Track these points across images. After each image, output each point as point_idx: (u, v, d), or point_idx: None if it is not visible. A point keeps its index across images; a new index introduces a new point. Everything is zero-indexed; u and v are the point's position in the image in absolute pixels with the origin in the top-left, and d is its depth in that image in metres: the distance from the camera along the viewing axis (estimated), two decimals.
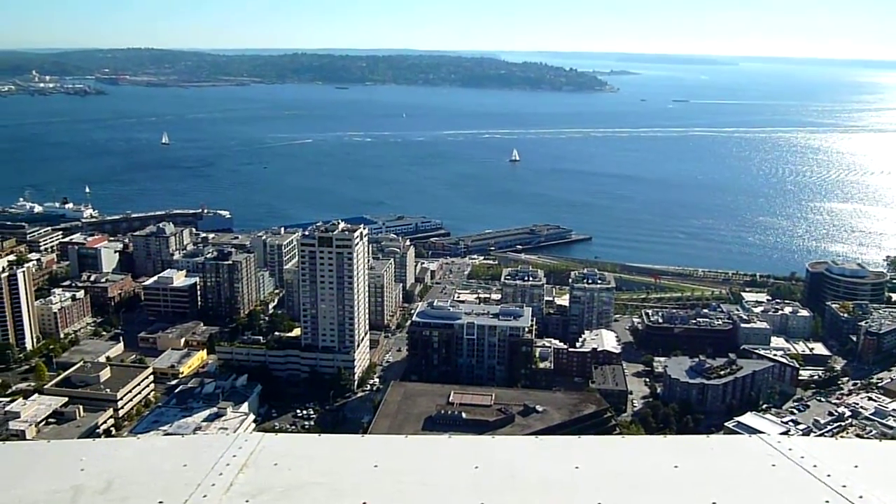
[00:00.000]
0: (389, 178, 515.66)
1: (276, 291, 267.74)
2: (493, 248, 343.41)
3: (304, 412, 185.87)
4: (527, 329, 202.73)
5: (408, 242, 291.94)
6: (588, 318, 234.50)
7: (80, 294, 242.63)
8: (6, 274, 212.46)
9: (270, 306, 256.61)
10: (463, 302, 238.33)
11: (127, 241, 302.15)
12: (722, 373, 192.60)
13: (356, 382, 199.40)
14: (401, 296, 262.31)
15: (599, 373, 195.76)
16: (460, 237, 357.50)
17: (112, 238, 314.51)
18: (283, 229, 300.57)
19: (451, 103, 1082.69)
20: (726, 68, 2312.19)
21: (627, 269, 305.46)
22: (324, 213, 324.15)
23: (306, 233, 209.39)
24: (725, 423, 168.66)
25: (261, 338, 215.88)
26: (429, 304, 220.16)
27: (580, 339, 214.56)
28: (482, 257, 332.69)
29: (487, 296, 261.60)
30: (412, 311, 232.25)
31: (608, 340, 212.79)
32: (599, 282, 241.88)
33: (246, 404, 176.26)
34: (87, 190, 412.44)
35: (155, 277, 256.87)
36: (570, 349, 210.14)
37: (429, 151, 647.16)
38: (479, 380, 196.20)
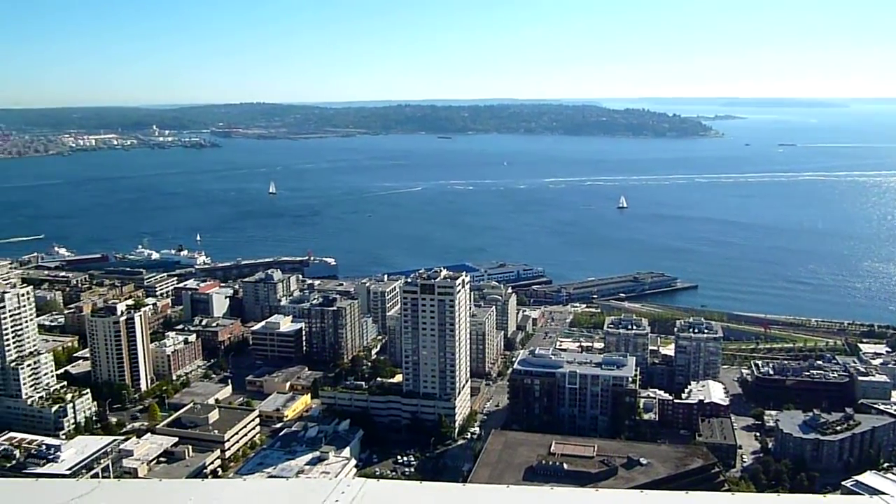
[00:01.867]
0: (491, 226, 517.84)
1: (379, 337, 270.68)
2: (595, 296, 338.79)
3: (405, 458, 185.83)
4: (630, 379, 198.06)
5: (509, 290, 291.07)
6: (694, 369, 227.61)
7: (192, 337, 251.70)
8: (125, 317, 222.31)
9: (373, 352, 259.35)
10: (565, 350, 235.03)
11: (237, 286, 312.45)
12: (838, 428, 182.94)
13: (457, 430, 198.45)
14: (502, 343, 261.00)
15: (706, 426, 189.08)
16: (562, 285, 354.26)
17: (223, 284, 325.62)
18: (386, 276, 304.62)
19: (552, 151, 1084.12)
20: (837, 111, 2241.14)
21: (735, 318, 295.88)
22: (426, 260, 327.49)
23: (409, 280, 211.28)
24: (843, 483, 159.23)
25: (363, 383, 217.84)
26: (530, 352, 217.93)
27: (686, 391, 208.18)
28: (584, 305, 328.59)
29: (590, 344, 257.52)
30: (513, 359, 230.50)
31: (715, 392, 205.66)
32: (706, 331, 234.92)
33: (348, 449, 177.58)
34: (199, 238, 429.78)
35: (263, 322, 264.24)
36: (676, 400, 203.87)
37: (530, 199, 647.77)
38: (581, 430, 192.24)
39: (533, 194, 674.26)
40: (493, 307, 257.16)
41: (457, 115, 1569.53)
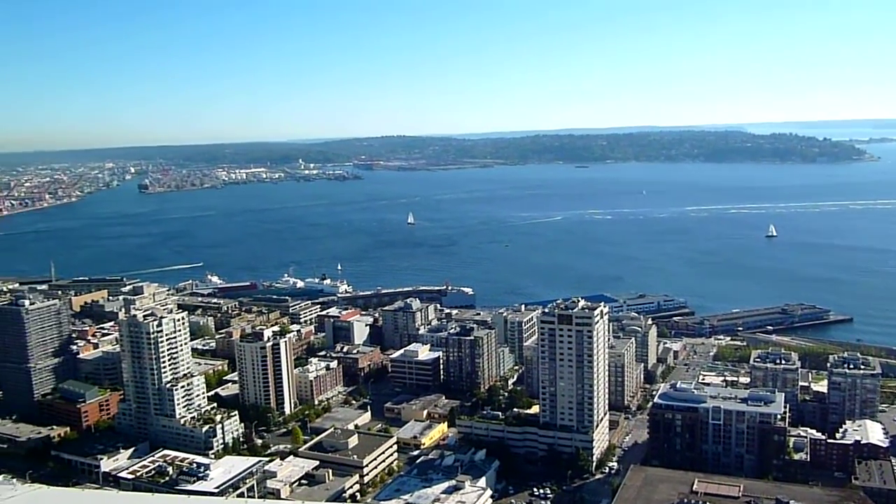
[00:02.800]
0: (630, 255, 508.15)
1: (516, 368, 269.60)
2: (740, 329, 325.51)
3: (541, 491, 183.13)
4: (779, 416, 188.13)
5: (649, 321, 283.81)
6: (850, 407, 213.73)
7: (334, 364, 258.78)
8: (271, 343, 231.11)
9: (510, 382, 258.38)
10: (708, 385, 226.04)
11: (377, 315, 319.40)
12: None
13: (594, 464, 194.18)
14: (642, 376, 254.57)
15: (864, 468, 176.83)
16: (705, 316, 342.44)
17: (364, 312, 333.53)
18: (523, 306, 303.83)
19: (693, 179, 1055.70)
20: None
21: (895, 353, 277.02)
22: (563, 290, 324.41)
23: (546, 310, 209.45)
24: None
25: (500, 413, 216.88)
26: (671, 385, 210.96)
27: (841, 430, 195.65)
28: (729, 338, 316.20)
29: (735, 379, 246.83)
30: (654, 393, 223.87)
31: (874, 432, 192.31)
32: (862, 367, 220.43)
33: (484, 479, 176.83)
34: (339, 267, 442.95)
35: (401, 350, 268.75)
36: (830, 440, 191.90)
37: (670, 227, 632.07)
38: (726, 468, 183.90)
39: (673, 223, 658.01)
40: (633, 339, 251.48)
41: (594, 144, 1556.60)
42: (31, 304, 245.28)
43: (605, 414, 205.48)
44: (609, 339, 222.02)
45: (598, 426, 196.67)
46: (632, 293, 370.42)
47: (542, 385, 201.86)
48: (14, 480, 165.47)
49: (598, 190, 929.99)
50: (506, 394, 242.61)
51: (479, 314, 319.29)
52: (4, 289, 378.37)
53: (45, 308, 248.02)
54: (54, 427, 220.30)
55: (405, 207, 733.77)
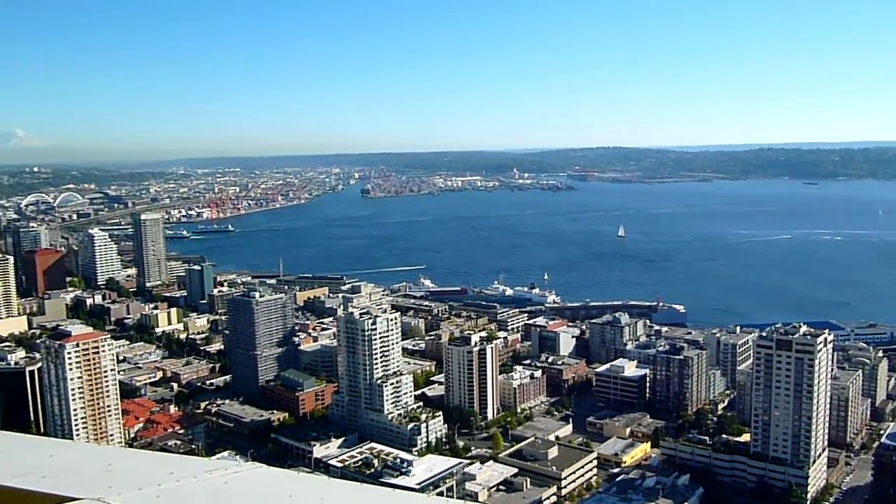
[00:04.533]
0: (860, 280, 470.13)
1: (727, 392, 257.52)
2: None
3: None
4: None
5: (880, 353, 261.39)
6: None
7: (538, 373, 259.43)
8: (478, 348, 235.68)
9: (720, 406, 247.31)
10: None
11: (584, 327, 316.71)
12: None
13: (808, 502, 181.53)
14: (868, 413, 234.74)
15: None
16: None
17: (571, 323, 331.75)
18: (738, 328, 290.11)
19: None
20: None
21: None
22: (783, 314, 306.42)
23: (763, 334, 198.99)
24: None
25: (707, 438, 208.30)
26: None
27: None
28: None
29: None
30: (881, 432, 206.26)
31: None
32: None
33: None
34: (546, 276, 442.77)
35: (607, 365, 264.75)
36: None
37: None
38: None
39: None
40: (860, 371, 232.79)
41: (825, 160, 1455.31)
42: (261, 296, 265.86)
43: (823, 450, 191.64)
44: (833, 370, 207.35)
45: (814, 462, 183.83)
46: (861, 322, 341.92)
47: (754, 412, 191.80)
48: (237, 457, 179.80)
49: (827, 208, 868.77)
50: (714, 418, 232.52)
51: (690, 333, 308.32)
52: (239, 281, 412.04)
53: (273, 301, 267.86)
54: (274, 412, 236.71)
55: (618, 220, 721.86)
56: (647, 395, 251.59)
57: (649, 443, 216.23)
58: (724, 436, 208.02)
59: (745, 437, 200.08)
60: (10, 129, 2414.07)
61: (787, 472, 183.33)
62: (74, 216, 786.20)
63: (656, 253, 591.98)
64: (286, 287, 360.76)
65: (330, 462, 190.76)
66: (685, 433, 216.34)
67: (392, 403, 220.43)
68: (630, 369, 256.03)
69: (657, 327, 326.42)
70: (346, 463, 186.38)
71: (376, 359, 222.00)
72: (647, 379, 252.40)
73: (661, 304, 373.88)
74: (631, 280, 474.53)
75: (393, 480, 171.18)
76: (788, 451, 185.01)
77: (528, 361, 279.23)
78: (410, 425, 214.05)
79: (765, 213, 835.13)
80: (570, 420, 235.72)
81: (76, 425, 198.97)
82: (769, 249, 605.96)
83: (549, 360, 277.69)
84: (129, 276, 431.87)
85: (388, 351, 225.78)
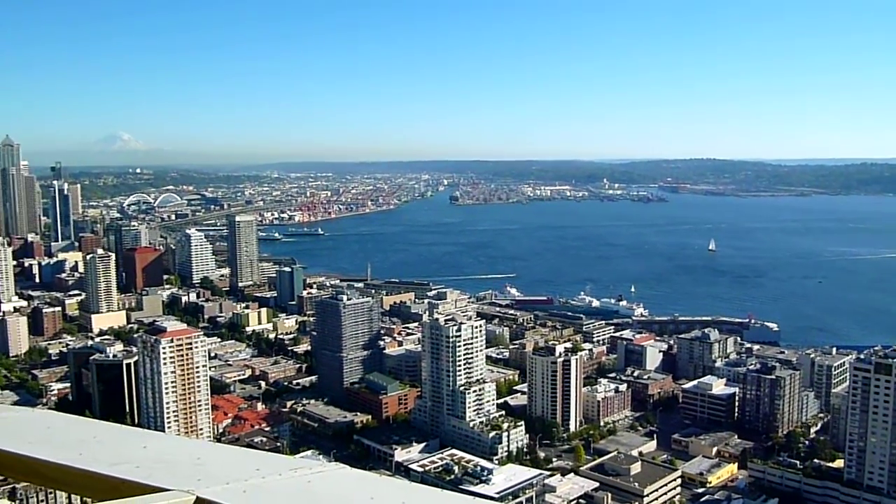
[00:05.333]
0: None
1: (821, 415, 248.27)
2: None
3: None
4: None
5: None
6: None
7: (623, 387, 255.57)
8: (562, 359, 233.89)
9: (812, 430, 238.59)
10: None
11: (672, 342, 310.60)
12: None
13: None
14: None
15: None
16: None
17: (658, 338, 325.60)
18: (834, 349, 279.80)
19: None
20: None
21: None
22: (884, 336, 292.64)
23: (861, 356, 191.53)
24: None
25: (797, 462, 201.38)
26: None
27: None
28: None
29: None
30: None
31: None
32: None
33: None
34: (633, 289, 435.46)
35: (695, 382, 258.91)
36: None
37: None
38: None
39: None
40: None
41: None
42: (349, 299, 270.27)
43: None
44: None
45: None
46: None
47: (849, 438, 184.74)
48: (320, 457, 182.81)
49: None
50: (806, 441, 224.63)
51: (783, 353, 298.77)
52: (328, 283, 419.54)
53: (360, 304, 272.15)
54: (358, 413, 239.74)
55: (709, 233, 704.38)
56: (736, 414, 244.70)
57: (736, 464, 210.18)
58: (815, 460, 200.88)
59: (839, 463, 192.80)
60: (116, 132, 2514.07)
61: (882, 502, 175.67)
62: (173, 216, 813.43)
63: (749, 268, 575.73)
64: (373, 291, 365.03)
65: (411, 466, 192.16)
66: (775, 456, 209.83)
67: (474, 411, 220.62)
68: (718, 387, 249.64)
69: (748, 345, 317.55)
70: (427, 468, 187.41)
71: (460, 365, 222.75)
72: (737, 398, 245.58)
73: (752, 321, 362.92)
74: (722, 295, 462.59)
75: (473, 488, 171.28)
76: (885, 481, 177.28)
77: (613, 375, 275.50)
78: (492, 433, 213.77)
79: (867, 231, 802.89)
80: (655, 436, 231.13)
81: (168, 418, 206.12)
82: (871, 268, 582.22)
83: (635, 374, 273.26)
84: (222, 275, 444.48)
85: (471, 358, 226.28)
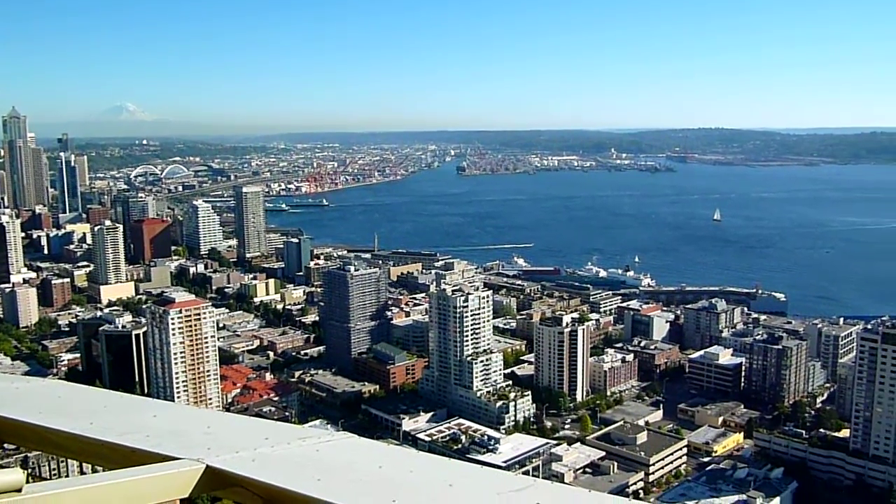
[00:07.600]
0: None
1: (827, 385, 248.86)
2: None
3: None
4: None
5: None
6: None
7: (630, 357, 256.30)
8: (569, 329, 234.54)
9: (818, 400, 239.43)
10: None
11: (679, 312, 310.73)
12: None
13: None
14: None
15: None
16: None
17: (665, 308, 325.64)
18: (841, 319, 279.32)
19: None
20: None
21: None
22: (891, 306, 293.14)
23: (869, 326, 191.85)
24: None
25: (803, 432, 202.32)
26: None
27: None
28: None
29: None
30: None
31: None
32: None
33: (778, 499, 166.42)
34: (637, 259, 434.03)
35: (701, 352, 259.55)
36: None
37: None
38: None
39: None
40: None
41: None
42: (356, 270, 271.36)
43: None
44: None
45: None
46: None
47: (855, 408, 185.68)
48: (329, 426, 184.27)
49: None
50: (812, 411, 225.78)
51: (790, 323, 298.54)
52: (335, 254, 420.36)
53: (367, 275, 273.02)
54: (366, 383, 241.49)
55: (717, 203, 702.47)
56: (742, 384, 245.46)
57: (742, 433, 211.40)
58: (821, 430, 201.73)
59: (845, 433, 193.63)
60: (122, 103, 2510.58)
61: (888, 472, 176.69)
62: (180, 188, 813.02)
63: (756, 238, 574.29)
64: (380, 262, 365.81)
65: (418, 435, 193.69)
66: (781, 425, 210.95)
67: (481, 381, 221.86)
68: (725, 357, 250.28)
69: (755, 315, 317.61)
70: (434, 437, 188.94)
71: (467, 336, 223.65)
72: (743, 368, 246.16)
73: (760, 291, 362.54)
74: (729, 266, 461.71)
75: (480, 457, 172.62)
76: (891, 450, 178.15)
77: (619, 345, 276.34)
78: (499, 403, 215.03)
79: (875, 200, 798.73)
80: (661, 406, 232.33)
81: (177, 388, 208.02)
82: (879, 238, 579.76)
83: (642, 344, 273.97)
84: (229, 246, 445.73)
85: (478, 328, 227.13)
